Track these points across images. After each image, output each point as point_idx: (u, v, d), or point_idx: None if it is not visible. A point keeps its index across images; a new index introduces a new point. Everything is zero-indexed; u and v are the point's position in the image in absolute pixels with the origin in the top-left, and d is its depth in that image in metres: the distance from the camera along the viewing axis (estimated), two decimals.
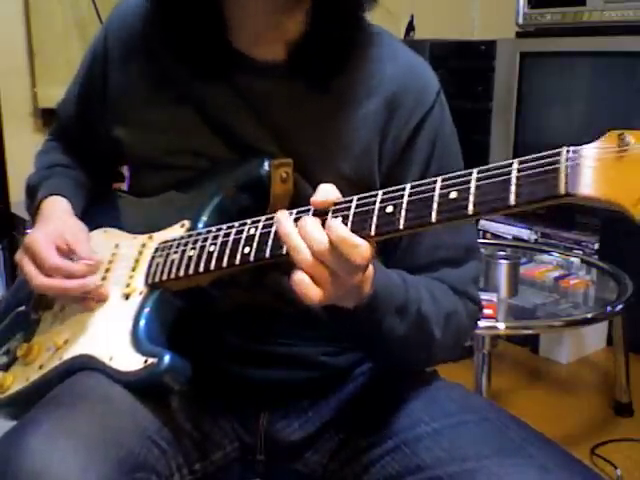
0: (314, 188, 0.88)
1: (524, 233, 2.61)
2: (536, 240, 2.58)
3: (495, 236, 2.65)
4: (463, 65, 2.80)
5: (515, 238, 2.60)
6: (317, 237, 0.68)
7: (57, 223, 0.93)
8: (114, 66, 0.97)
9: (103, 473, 0.70)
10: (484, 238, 2.66)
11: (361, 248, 0.67)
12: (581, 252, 2.43)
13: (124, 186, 1.08)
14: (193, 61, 0.90)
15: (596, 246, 2.46)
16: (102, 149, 1.02)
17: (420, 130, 0.90)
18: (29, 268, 0.88)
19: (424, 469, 0.80)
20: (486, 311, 1.75)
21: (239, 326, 0.94)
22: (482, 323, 1.73)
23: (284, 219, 0.71)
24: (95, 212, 0.97)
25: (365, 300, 0.75)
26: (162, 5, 0.90)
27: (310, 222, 0.69)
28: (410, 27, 2.92)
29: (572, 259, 2.24)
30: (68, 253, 0.89)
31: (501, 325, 1.76)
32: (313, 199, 0.72)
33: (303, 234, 0.69)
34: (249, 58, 0.90)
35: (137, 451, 0.76)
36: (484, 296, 1.78)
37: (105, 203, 1.02)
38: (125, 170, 1.05)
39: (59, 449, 0.70)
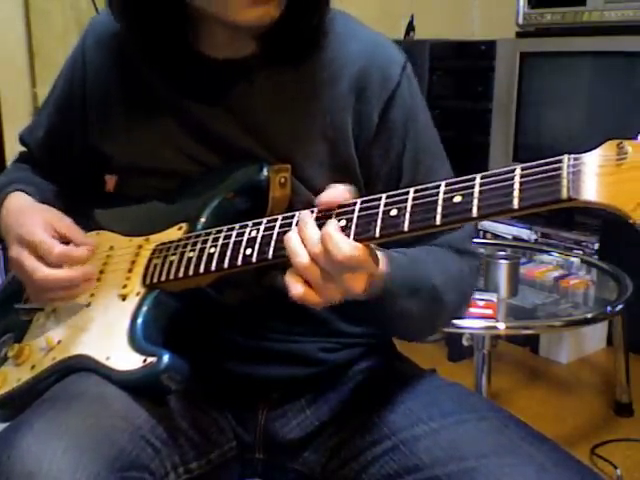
0: (298, 178, 0.89)
1: (524, 233, 2.61)
2: (536, 240, 2.58)
3: (495, 236, 2.65)
4: (463, 65, 2.80)
5: (515, 238, 2.60)
6: (313, 238, 0.71)
7: (38, 214, 0.92)
8: (93, 78, 0.98)
9: (94, 472, 0.70)
10: (484, 238, 2.66)
11: (342, 246, 0.69)
12: (581, 252, 2.43)
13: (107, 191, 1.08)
14: (165, 71, 0.92)
15: (596, 246, 2.46)
16: (80, 162, 1.03)
17: (391, 107, 0.90)
18: (30, 262, 0.87)
19: (423, 468, 0.80)
20: (486, 311, 1.75)
21: (236, 324, 0.94)
22: (482, 323, 1.73)
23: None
24: (85, 215, 0.98)
25: (375, 293, 0.76)
26: (132, 21, 0.89)
27: (310, 224, 0.72)
28: (410, 27, 2.92)
29: (572, 259, 2.24)
30: (64, 240, 0.90)
31: (501, 325, 1.76)
32: (318, 200, 0.74)
33: (302, 236, 0.72)
34: (219, 60, 0.91)
35: (129, 450, 0.76)
36: (484, 296, 1.79)
37: (95, 207, 1.02)
38: (109, 176, 1.05)
39: (50, 450, 0.70)
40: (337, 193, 0.74)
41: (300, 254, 0.71)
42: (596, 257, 2.38)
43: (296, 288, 0.72)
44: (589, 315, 1.90)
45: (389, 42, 0.95)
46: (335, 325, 0.96)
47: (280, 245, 0.76)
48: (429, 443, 0.81)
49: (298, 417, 0.95)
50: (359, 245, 0.70)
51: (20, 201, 0.97)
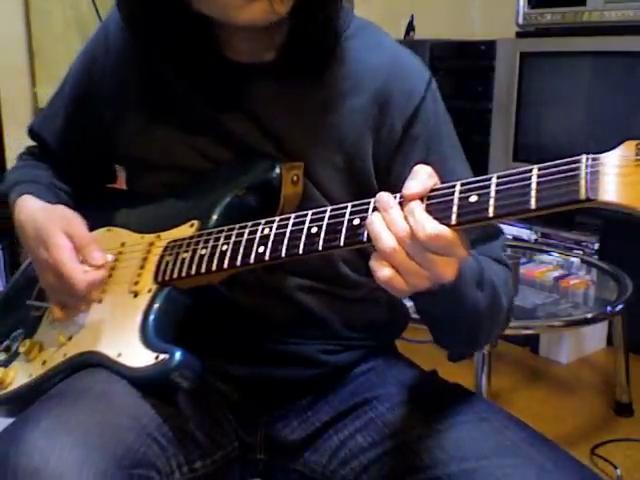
0: (313, 184, 0.89)
1: (524, 233, 2.61)
2: (536, 240, 2.58)
3: None
4: (463, 65, 2.81)
5: (515, 238, 2.60)
6: (398, 221, 0.67)
7: (58, 229, 0.89)
8: (114, 65, 0.97)
9: (101, 469, 0.70)
10: None
11: (426, 224, 0.65)
12: (581, 252, 2.43)
13: (117, 186, 1.08)
14: (184, 70, 0.90)
15: (596, 246, 2.46)
16: (96, 149, 1.02)
17: (414, 122, 0.89)
18: (73, 264, 0.85)
19: (423, 469, 0.80)
20: None
21: (239, 325, 0.94)
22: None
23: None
24: (96, 211, 0.97)
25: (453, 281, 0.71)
26: (147, 28, 0.88)
27: (394, 207, 0.68)
28: (410, 27, 2.93)
29: (572, 259, 2.24)
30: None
31: None
32: (408, 186, 0.69)
33: (387, 218, 0.68)
34: (239, 63, 0.90)
35: (136, 447, 0.76)
36: None
37: (106, 202, 1.02)
38: (120, 170, 1.05)
39: (57, 445, 0.70)
40: (425, 180, 0.69)
41: (385, 237, 0.67)
42: (596, 257, 2.39)
43: (383, 272, 0.67)
44: (589, 315, 1.90)
45: (414, 56, 0.94)
46: (337, 329, 0.96)
47: (294, 243, 0.76)
48: (430, 444, 0.81)
49: (299, 418, 0.95)
50: (446, 228, 0.65)
51: (30, 212, 0.94)
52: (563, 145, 2.45)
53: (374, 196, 0.84)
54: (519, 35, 2.59)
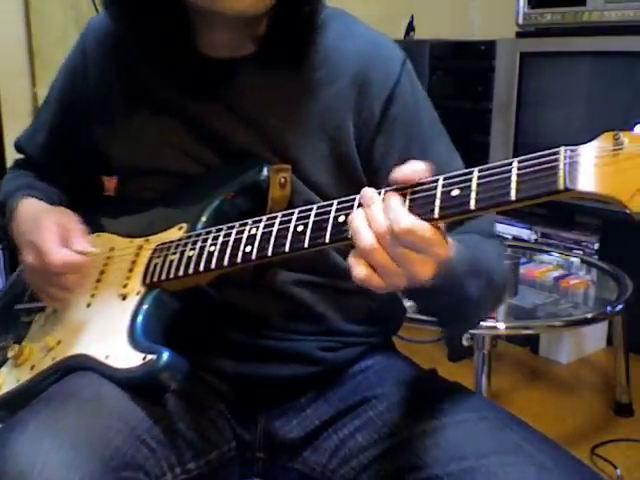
0: (300, 176, 0.89)
1: (524, 233, 2.61)
2: (536, 240, 2.58)
3: None
4: (463, 65, 2.80)
5: (515, 238, 2.60)
6: (380, 217, 0.67)
7: (52, 218, 0.92)
8: (94, 77, 0.98)
9: (88, 472, 0.70)
10: None
11: (401, 218, 0.65)
12: (581, 252, 2.43)
13: (107, 193, 1.09)
14: (165, 70, 0.92)
15: (596, 246, 2.46)
16: (82, 163, 1.03)
17: (392, 103, 0.90)
18: (54, 244, 0.87)
19: (423, 468, 0.80)
20: None
21: (236, 323, 0.94)
22: (482, 323, 1.73)
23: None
24: (86, 218, 0.97)
25: (441, 280, 0.70)
26: (131, 23, 0.90)
27: (376, 202, 0.68)
28: (410, 27, 2.92)
29: (572, 259, 2.24)
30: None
31: (501, 325, 1.76)
32: (393, 178, 0.69)
33: (368, 214, 0.68)
34: (218, 59, 0.91)
35: (124, 450, 0.76)
36: None
37: (95, 209, 1.02)
38: (108, 178, 1.05)
39: (43, 449, 0.70)
40: (413, 171, 0.68)
41: (364, 234, 0.67)
42: (596, 257, 2.39)
43: (359, 270, 0.67)
44: (589, 315, 1.90)
45: (388, 39, 0.95)
46: (334, 323, 0.96)
47: (280, 242, 0.76)
48: (429, 442, 0.81)
49: (298, 416, 0.95)
50: (421, 222, 0.65)
51: (31, 208, 0.97)
52: (563, 145, 2.44)
53: (361, 182, 0.85)
54: (519, 35, 2.59)
